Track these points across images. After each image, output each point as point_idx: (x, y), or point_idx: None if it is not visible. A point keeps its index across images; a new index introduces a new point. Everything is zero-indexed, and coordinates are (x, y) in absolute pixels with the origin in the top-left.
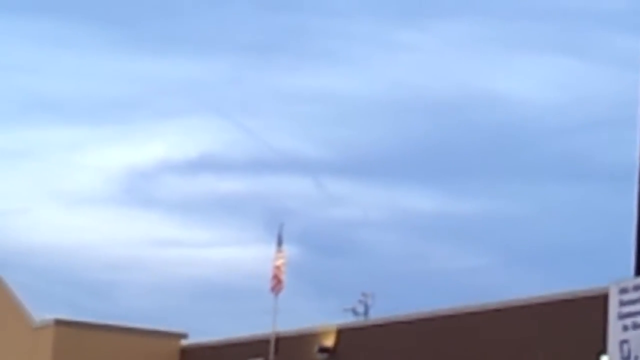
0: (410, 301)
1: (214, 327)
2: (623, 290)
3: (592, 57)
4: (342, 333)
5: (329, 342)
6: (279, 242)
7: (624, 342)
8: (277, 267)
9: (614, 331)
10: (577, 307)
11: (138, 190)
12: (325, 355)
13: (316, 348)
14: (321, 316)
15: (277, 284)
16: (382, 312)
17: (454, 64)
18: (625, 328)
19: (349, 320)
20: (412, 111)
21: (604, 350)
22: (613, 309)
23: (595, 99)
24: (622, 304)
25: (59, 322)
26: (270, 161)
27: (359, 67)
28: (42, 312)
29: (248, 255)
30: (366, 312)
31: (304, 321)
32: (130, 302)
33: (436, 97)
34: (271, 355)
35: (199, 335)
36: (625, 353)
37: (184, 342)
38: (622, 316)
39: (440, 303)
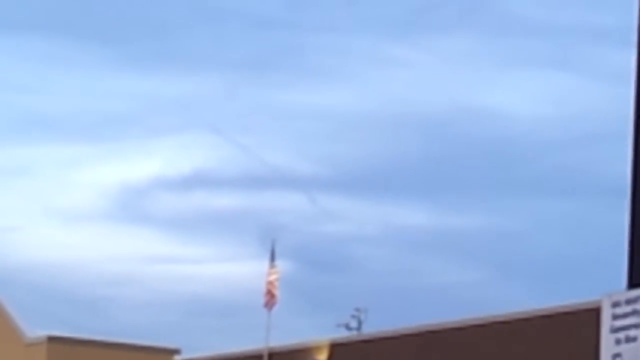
0: (404, 316)
1: (207, 342)
2: (616, 304)
3: (585, 73)
4: (335, 348)
5: (322, 357)
6: (272, 258)
7: (616, 355)
8: (271, 283)
9: (607, 345)
10: (571, 321)
11: (132, 206)
12: None
13: None
14: (314, 331)
15: (270, 299)
16: (375, 327)
17: (447, 80)
18: (618, 341)
19: (342, 335)
20: (405, 127)
21: None
22: (606, 322)
23: (588, 114)
24: (615, 317)
25: (51, 339)
26: (263, 177)
27: (353, 83)
28: (36, 329)
29: (242, 271)
30: (359, 327)
31: (297, 336)
32: (124, 318)
33: (430, 112)
34: None
35: (193, 351)
36: None
37: (177, 358)
38: (614, 330)
39: (434, 318)
